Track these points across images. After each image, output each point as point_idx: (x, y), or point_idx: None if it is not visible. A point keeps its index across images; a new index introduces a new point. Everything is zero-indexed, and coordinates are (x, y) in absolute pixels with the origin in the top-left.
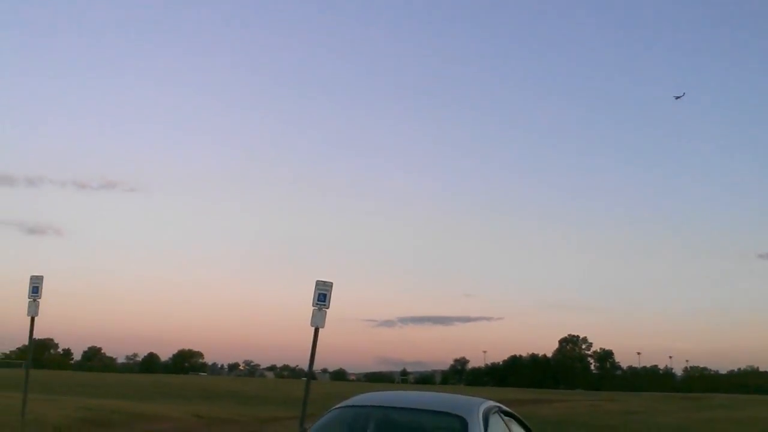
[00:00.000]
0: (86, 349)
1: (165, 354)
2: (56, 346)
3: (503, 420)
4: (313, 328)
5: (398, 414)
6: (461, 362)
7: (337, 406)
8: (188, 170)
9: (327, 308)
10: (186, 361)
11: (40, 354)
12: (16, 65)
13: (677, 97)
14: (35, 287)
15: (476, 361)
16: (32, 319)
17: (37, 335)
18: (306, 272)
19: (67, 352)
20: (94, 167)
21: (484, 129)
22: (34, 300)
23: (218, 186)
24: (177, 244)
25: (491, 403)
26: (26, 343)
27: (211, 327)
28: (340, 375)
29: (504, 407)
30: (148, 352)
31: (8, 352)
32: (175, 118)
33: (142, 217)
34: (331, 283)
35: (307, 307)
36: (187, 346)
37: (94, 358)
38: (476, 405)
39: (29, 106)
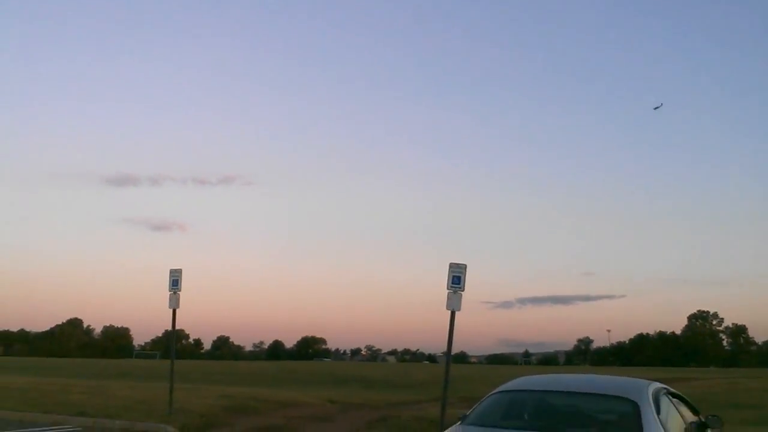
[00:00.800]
0: (215, 338)
1: (290, 341)
2: (187, 336)
3: (672, 401)
4: (449, 312)
5: (561, 398)
6: (585, 342)
7: (495, 390)
8: (302, 162)
9: (462, 291)
10: (310, 348)
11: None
12: (137, 70)
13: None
14: (175, 280)
15: (600, 341)
16: (174, 312)
17: (169, 326)
18: (423, 256)
19: (198, 342)
20: (213, 163)
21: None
22: (175, 293)
23: (330, 176)
24: (294, 234)
25: (658, 384)
26: (159, 334)
27: (333, 313)
28: (461, 358)
29: (670, 388)
30: (274, 339)
31: (143, 344)
32: (290, 112)
33: (260, 209)
34: (465, 265)
35: (427, 290)
36: (310, 333)
37: (223, 347)
38: (644, 387)
39: (149, 109)
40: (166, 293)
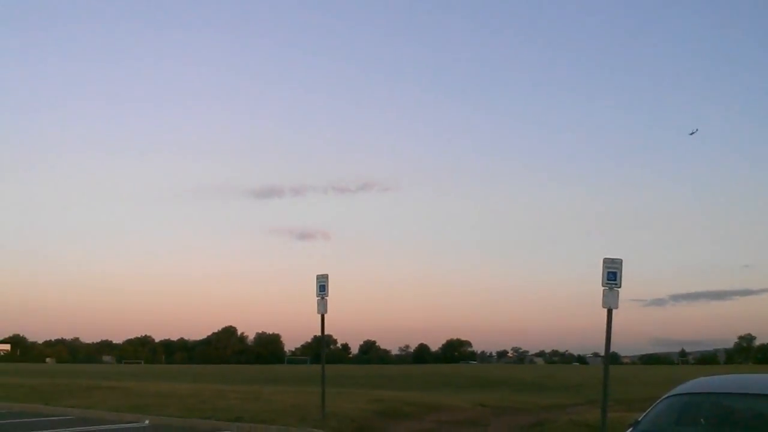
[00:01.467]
0: (362, 343)
1: (435, 344)
2: (335, 341)
3: None
4: (605, 310)
5: (743, 401)
6: (747, 339)
7: (669, 394)
8: (441, 165)
9: (618, 287)
10: (455, 351)
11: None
12: (279, 84)
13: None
14: (322, 285)
15: (764, 337)
16: (322, 317)
17: (317, 332)
18: (568, 255)
19: (346, 347)
20: (351, 171)
21: None
22: (322, 298)
23: (470, 177)
24: (435, 237)
25: None
26: (309, 340)
27: (477, 316)
28: (613, 358)
29: None
30: (419, 343)
31: (294, 349)
32: (423, 116)
33: (400, 213)
34: (620, 260)
35: (576, 289)
36: (455, 336)
37: (370, 351)
38: None
39: (289, 122)
40: (314, 300)
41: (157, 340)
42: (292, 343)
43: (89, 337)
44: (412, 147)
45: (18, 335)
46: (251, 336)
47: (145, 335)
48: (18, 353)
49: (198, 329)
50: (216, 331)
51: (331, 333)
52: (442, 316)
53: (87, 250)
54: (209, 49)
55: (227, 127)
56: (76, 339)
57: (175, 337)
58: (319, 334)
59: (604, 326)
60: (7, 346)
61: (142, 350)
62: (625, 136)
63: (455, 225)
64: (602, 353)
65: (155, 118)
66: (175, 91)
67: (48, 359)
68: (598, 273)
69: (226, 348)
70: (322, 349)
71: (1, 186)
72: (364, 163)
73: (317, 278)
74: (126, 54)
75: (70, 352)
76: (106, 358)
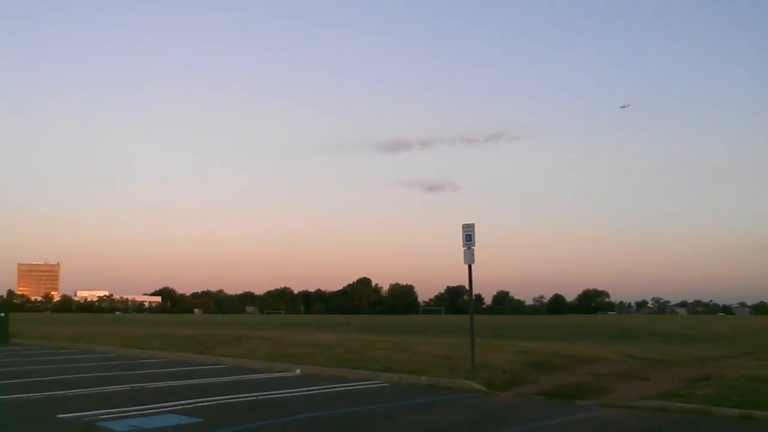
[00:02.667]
0: (495, 293)
1: (570, 294)
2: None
3: None
4: None
5: None
6: None
7: None
8: (572, 114)
9: None
10: (592, 301)
11: (455, 299)
12: (389, 41)
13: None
14: (468, 235)
15: None
16: (469, 267)
17: (454, 282)
18: (713, 205)
19: (479, 297)
20: (479, 121)
21: None
22: (469, 248)
23: (598, 127)
24: (568, 187)
25: None
26: (442, 291)
27: (615, 266)
28: (762, 308)
29: None
30: (554, 293)
31: (427, 300)
32: (553, 62)
33: (529, 163)
34: None
35: (721, 239)
36: (591, 286)
37: (503, 302)
38: None
39: (416, 75)
40: (446, 251)
41: (296, 292)
42: (425, 293)
43: (233, 288)
44: (542, 94)
45: (168, 288)
46: (385, 287)
47: (285, 287)
48: (168, 305)
49: (334, 281)
50: (351, 282)
51: (462, 284)
52: (578, 265)
53: (228, 206)
54: (341, 10)
55: (355, 83)
56: (221, 291)
57: (312, 288)
58: (452, 284)
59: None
60: (158, 298)
61: (282, 301)
62: None
63: (588, 174)
64: (749, 303)
65: (289, 74)
66: (308, 50)
67: (196, 310)
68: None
69: (361, 298)
70: (470, 301)
71: (155, 151)
72: (491, 113)
73: (463, 228)
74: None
75: (215, 303)
76: (249, 308)
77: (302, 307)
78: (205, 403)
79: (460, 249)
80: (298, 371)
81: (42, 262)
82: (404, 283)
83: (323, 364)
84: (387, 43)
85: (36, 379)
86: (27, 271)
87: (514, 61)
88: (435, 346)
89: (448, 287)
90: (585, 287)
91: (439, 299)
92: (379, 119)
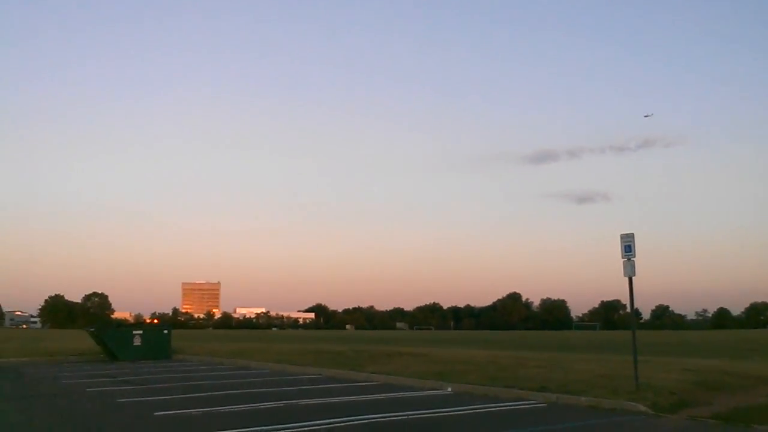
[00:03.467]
0: (654, 307)
1: (736, 308)
2: (624, 306)
3: None
4: None
5: None
6: None
7: None
8: (728, 117)
9: None
10: (761, 315)
11: (610, 315)
12: (534, 50)
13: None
14: (627, 246)
15: None
16: (630, 280)
17: (608, 297)
18: None
19: (637, 312)
20: (629, 129)
21: None
22: (629, 259)
23: (761, 133)
24: (725, 193)
25: None
26: (596, 305)
27: None
28: None
29: None
30: (718, 307)
31: (580, 315)
32: (708, 65)
33: (685, 170)
34: None
35: None
36: (760, 299)
37: (663, 317)
38: None
39: (554, 86)
40: (599, 264)
41: (445, 307)
42: (577, 308)
43: (383, 305)
44: (698, 97)
45: (321, 305)
46: (536, 302)
47: (434, 302)
48: (321, 321)
49: (484, 296)
50: (501, 297)
51: (617, 298)
52: (743, 277)
53: (377, 223)
54: (479, 22)
55: (497, 95)
56: (371, 307)
57: (462, 304)
58: (606, 299)
59: None
60: (312, 315)
61: (432, 317)
62: None
63: (750, 181)
64: None
65: (431, 90)
66: (448, 64)
67: (347, 326)
68: None
69: (511, 314)
70: (632, 316)
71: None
72: (643, 120)
73: (622, 238)
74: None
75: (366, 318)
76: (399, 324)
77: (452, 323)
78: (356, 422)
79: (614, 261)
80: (449, 389)
81: (204, 281)
82: (556, 298)
83: (475, 383)
84: (527, 52)
85: (193, 394)
86: (190, 290)
87: (665, 63)
88: (593, 364)
89: (602, 302)
90: (752, 300)
91: (593, 314)
92: (524, 131)
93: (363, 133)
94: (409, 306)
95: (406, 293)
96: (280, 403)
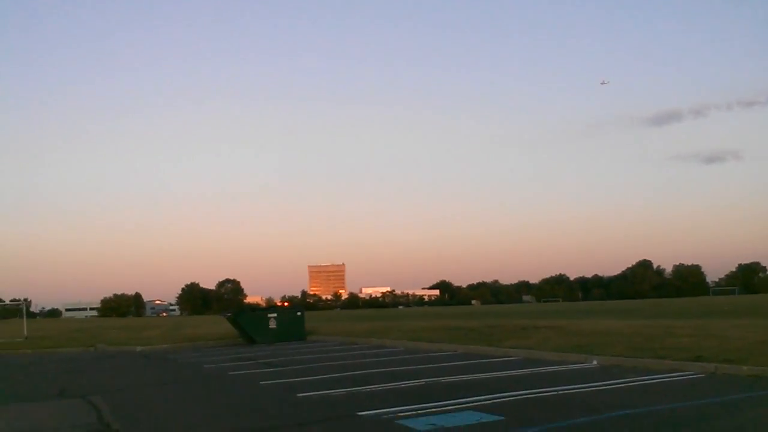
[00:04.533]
0: None
1: None
2: (764, 269)
3: None
4: None
5: None
6: None
7: None
8: None
9: None
10: None
11: (748, 278)
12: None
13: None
14: None
15: None
16: None
17: (746, 259)
18: None
19: None
20: (759, 81)
21: None
22: None
23: None
24: None
25: None
26: (733, 269)
27: None
28: None
29: None
30: None
31: (717, 280)
32: None
33: None
34: None
35: None
36: None
37: None
38: None
39: (677, 41)
40: (734, 226)
41: (572, 278)
42: (713, 273)
43: (507, 278)
44: None
45: (445, 281)
46: (668, 268)
47: (560, 274)
48: (446, 297)
49: (612, 265)
50: (631, 265)
51: (757, 260)
52: None
53: (500, 197)
54: None
55: (610, 54)
56: (496, 281)
57: (589, 274)
58: (744, 261)
59: None
60: (436, 292)
61: (559, 288)
62: None
63: None
64: None
65: (543, 54)
66: (552, 24)
67: (474, 301)
68: None
69: (642, 282)
70: None
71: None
72: None
73: None
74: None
75: (491, 293)
76: (525, 297)
77: (580, 294)
78: (502, 399)
79: (751, 222)
80: (595, 362)
81: (329, 263)
82: (689, 263)
83: (622, 354)
84: (641, 5)
85: (333, 375)
86: (317, 272)
87: None
88: (748, 331)
89: (739, 265)
90: None
91: (731, 278)
92: (643, 91)
93: (477, 106)
94: (534, 279)
95: (531, 266)
96: (421, 381)
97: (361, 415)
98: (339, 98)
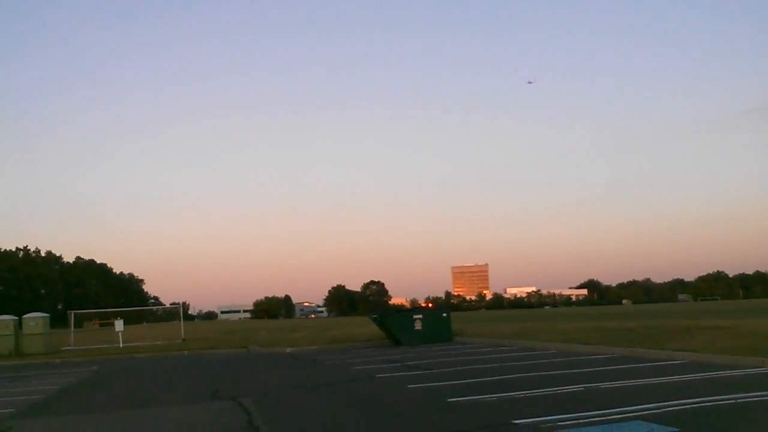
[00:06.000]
0: None
1: None
2: None
3: None
4: None
5: None
6: None
7: None
8: None
9: None
10: None
11: None
12: None
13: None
14: None
15: None
16: None
17: None
18: None
19: None
20: None
21: None
22: None
23: None
24: None
25: None
26: None
27: None
28: None
29: None
30: None
31: None
32: None
33: None
34: None
35: None
36: None
37: None
38: None
39: None
40: None
41: (731, 275)
42: None
43: (660, 276)
44: None
45: (593, 280)
46: None
47: (718, 271)
48: (595, 296)
49: None
50: None
51: None
52: None
53: (648, 192)
54: None
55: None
56: (647, 279)
57: (750, 270)
58: None
59: None
60: (584, 291)
61: (716, 286)
62: None
63: None
64: None
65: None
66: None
67: (624, 301)
68: None
69: None
70: None
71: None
72: None
73: None
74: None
75: (644, 292)
76: (681, 296)
77: (741, 292)
78: (673, 408)
79: None
80: None
81: (472, 264)
82: None
83: None
84: None
85: (483, 378)
86: (460, 273)
87: None
88: None
89: None
90: None
91: None
92: None
93: (620, 102)
94: (690, 276)
95: (686, 263)
96: (579, 387)
97: (518, 423)
98: (482, 103)
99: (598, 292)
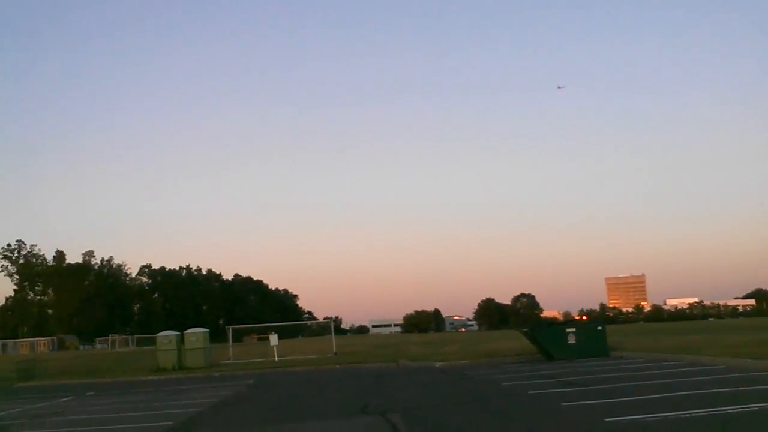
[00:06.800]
0: None
1: None
2: None
3: None
4: None
5: None
6: None
7: None
8: None
9: None
10: None
11: None
12: None
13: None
14: None
15: None
16: None
17: None
18: None
19: None
20: None
21: None
22: None
23: None
24: None
25: None
26: None
27: None
28: None
29: None
30: None
31: None
32: None
33: None
34: None
35: None
36: None
37: None
38: None
39: None
40: None
41: None
42: None
43: None
44: None
45: (761, 289)
46: None
47: None
48: (764, 306)
49: None
50: None
51: None
52: None
53: None
54: None
55: None
56: None
57: None
58: None
59: None
60: (752, 301)
61: None
62: None
63: None
64: None
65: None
66: None
67: None
68: None
69: None
70: None
71: None
72: None
73: None
74: None
75: None
76: None
77: None
78: None
79: None
80: None
81: (628, 275)
82: None
83: None
84: None
85: (643, 396)
86: (614, 285)
87: None
88: None
89: None
90: None
91: None
92: None
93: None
94: None
95: None
96: (753, 407)
97: None
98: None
99: (767, 302)
